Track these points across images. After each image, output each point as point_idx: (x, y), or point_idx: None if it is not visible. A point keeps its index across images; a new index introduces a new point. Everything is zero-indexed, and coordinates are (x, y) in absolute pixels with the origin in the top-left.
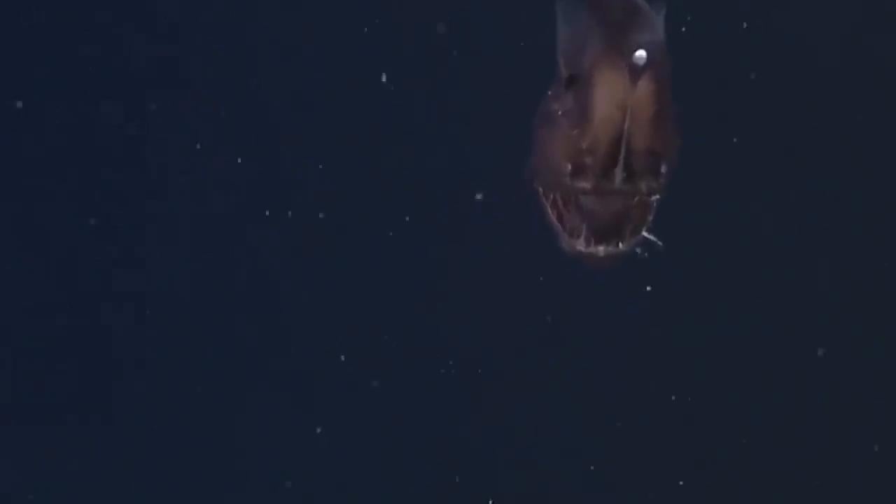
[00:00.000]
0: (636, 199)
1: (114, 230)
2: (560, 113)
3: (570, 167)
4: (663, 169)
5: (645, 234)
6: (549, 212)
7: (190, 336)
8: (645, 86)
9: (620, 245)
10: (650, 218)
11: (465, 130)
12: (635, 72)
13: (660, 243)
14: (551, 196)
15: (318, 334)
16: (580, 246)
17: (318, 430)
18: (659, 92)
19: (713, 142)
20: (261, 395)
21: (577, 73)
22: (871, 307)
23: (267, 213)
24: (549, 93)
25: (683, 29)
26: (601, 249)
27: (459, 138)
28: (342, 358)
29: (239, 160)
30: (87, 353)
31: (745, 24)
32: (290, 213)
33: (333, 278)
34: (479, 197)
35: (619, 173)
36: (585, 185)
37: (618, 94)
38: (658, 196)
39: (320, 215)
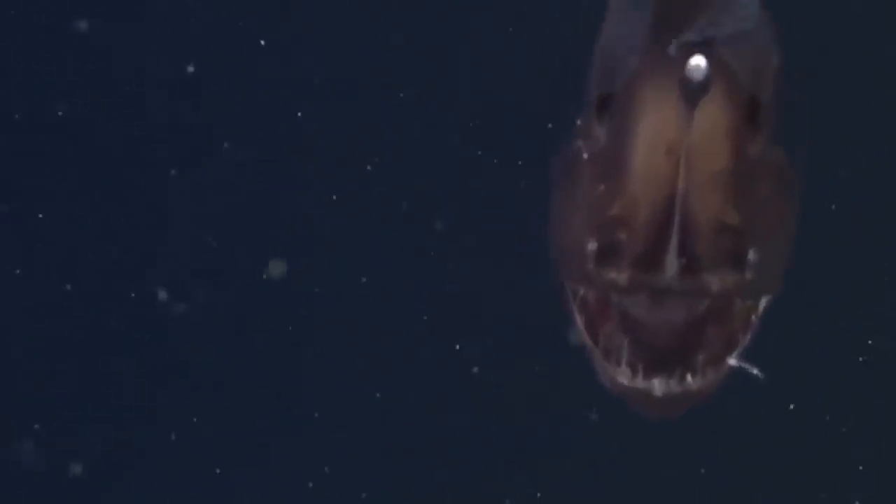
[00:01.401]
0: (707, 303)
1: (114, 230)
2: (586, 157)
3: (594, 247)
4: (751, 256)
5: (733, 361)
6: (578, 318)
7: (191, 337)
8: (711, 117)
9: (688, 379)
10: (744, 337)
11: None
12: (691, 92)
13: (759, 374)
14: (579, 293)
15: (321, 335)
16: (623, 377)
17: (324, 432)
18: (737, 127)
19: None
20: (265, 396)
21: (610, 92)
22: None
23: (268, 214)
24: (577, 123)
25: None
26: (656, 385)
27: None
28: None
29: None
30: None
31: None
32: (291, 215)
33: (339, 280)
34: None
35: (671, 260)
36: (618, 276)
37: (666, 131)
38: (751, 299)
39: (323, 218)
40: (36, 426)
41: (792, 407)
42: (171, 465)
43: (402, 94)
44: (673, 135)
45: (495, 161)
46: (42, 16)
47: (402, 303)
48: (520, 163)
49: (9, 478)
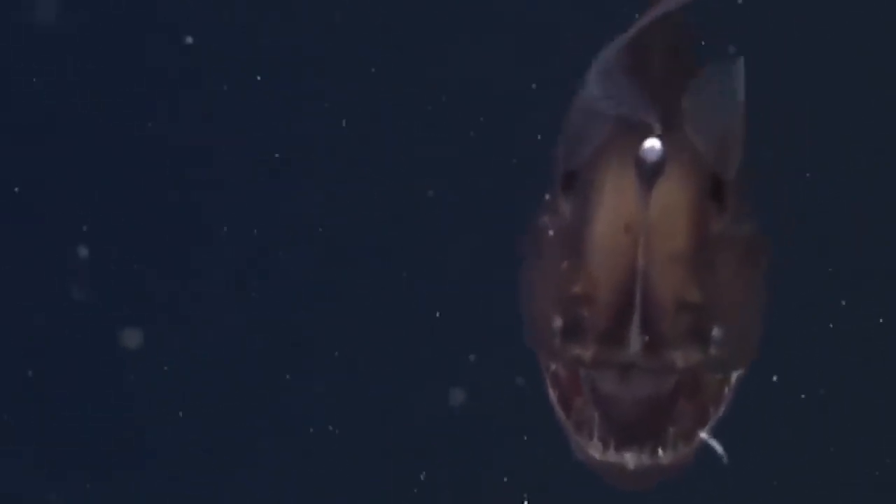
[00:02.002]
0: (676, 378)
1: (114, 229)
2: (551, 233)
3: (559, 323)
4: (715, 332)
5: (704, 435)
6: (551, 392)
7: (193, 337)
8: (669, 195)
9: (659, 453)
10: (717, 409)
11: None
12: (645, 173)
13: (724, 456)
14: (551, 366)
15: (321, 335)
16: (595, 451)
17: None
18: (698, 204)
19: None
20: (265, 396)
21: (576, 169)
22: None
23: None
24: (547, 197)
25: None
26: (628, 458)
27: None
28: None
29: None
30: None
31: None
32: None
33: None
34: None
35: (634, 337)
36: (583, 353)
37: (625, 209)
38: (719, 374)
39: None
40: (36, 426)
41: (774, 385)
42: (171, 465)
43: (404, 94)
44: (631, 213)
45: (495, 161)
46: (41, 15)
47: (402, 303)
48: (520, 163)
49: (9, 478)
